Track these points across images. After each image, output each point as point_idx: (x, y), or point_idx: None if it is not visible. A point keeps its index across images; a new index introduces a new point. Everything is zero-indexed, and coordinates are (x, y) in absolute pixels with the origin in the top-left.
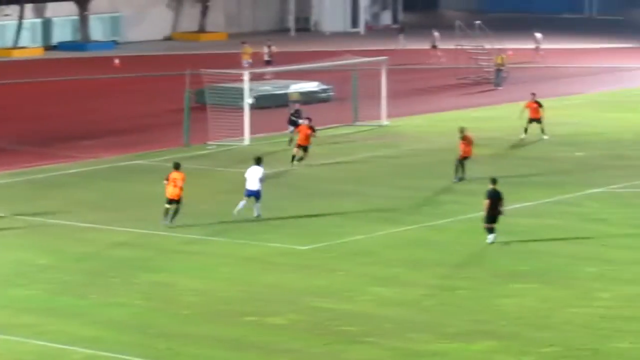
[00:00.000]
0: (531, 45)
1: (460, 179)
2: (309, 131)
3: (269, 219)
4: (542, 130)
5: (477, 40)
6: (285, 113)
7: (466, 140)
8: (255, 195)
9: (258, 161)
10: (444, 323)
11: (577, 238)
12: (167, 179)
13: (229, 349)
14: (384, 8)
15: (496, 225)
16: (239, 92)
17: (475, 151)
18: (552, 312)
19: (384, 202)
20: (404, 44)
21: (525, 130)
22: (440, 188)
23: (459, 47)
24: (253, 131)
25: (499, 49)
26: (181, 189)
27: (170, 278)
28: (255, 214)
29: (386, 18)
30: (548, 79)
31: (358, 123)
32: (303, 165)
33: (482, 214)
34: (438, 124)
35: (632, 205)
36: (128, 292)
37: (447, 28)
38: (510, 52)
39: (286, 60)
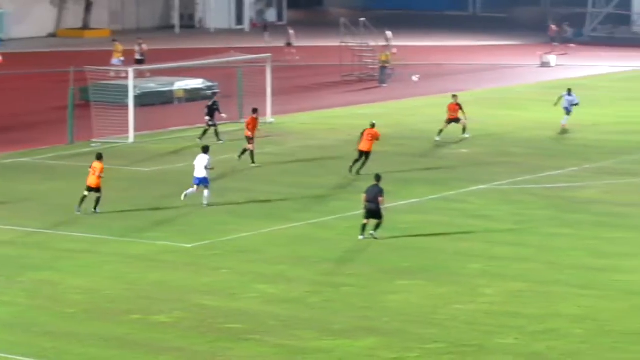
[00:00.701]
0: (383, 43)
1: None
2: (255, 123)
3: (154, 217)
4: (464, 130)
5: (362, 37)
6: (169, 110)
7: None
8: (204, 182)
9: (205, 150)
10: (329, 320)
11: (462, 234)
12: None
13: (114, 347)
14: (269, 5)
15: (373, 222)
16: (123, 90)
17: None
18: (437, 309)
19: (270, 199)
20: (268, 41)
21: (440, 132)
22: (326, 185)
23: (344, 44)
24: (137, 128)
25: (384, 47)
26: (99, 178)
27: (55, 276)
28: (204, 203)
29: (271, 15)
30: (433, 76)
31: (243, 120)
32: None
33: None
34: (323, 121)
35: (515, 202)
36: (12, 291)
37: (331, 25)
38: (394, 50)
39: (171, 57)
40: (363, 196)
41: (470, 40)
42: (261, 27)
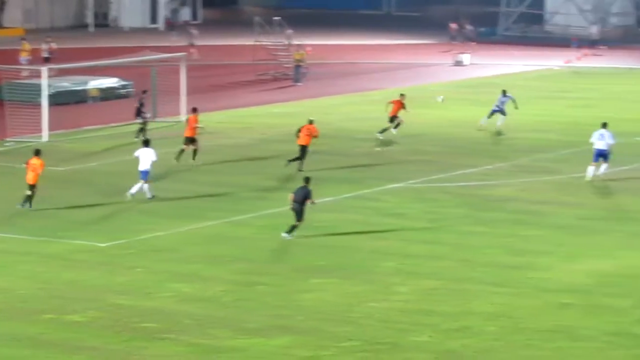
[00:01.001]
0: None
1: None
2: (196, 123)
3: (69, 216)
4: (397, 125)
5: (277, 36)
6: (84, 109)
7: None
8: (146, 177)
9: (146, 143)
10: (244, 319)
11: (377, 233)
12: (27, 164)
13: (27, 347)
14: (183, 4)
15: (298, 224)
16: (37, 88)
17: (280, 147)
18: (352, 307)
19: (185, 198)
20: (175, 40)
21: (384, 131)
22: (242, 184)
23: (258, 43)
24: (51, 127)
25: (298, 45)
26: (38, 175)
27: None
28: (148, 196)
29: (185, 14)
30: (348, 75)
31: (158, 119)
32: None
33: (283, 209)
34: (239, 120)
35: (429, 200)
36: None
37: (246, 24)
38: (309, 49)
39: (85, 56)
40: (290, 196)
41: (385, 39)
42: (171, 26)
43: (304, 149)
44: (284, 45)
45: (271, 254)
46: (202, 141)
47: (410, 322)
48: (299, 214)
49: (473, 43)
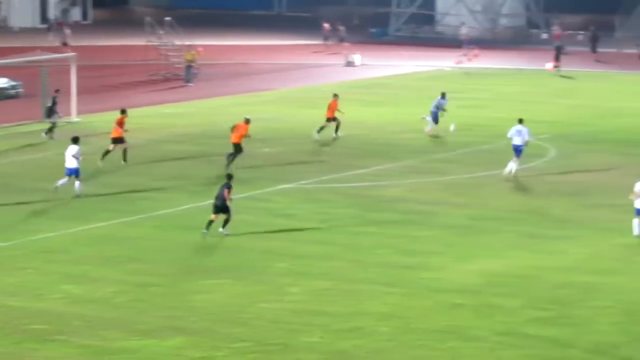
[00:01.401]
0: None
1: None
2: (120, 129)
3: None
4: (337, 127)
5: (168, 36)
6: None
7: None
8: (74, 173)
9: (75, 140)
10: (136, 320)
11: (268, 233)
12: None
13: None
14: (74, 4)
15: (222, 218)
16: None
17: (171, 148)
18: (244, 307)
19: (76, 198)
20: (52, 40)
21: (321, 129)
22: (133, 184)
23: (149, 43)
24: None
25: (189, 46)
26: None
27: None
28: (77, 193)
29: (76, 14)
30: (239, 76)
31: (47, 119)
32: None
33: (173, 210)
34: (130, 120)
35: (320, 201)
36: None
37: (137, 24)
38: (200, 49)
39: None
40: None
41: (277, 40)
42: (54, 26)
43: (236, 147)
44: (175, 45)
45: (163, 255)
46: (96, 141)
47: (301, 323)
48: (223, 208)
49: (346, 44)
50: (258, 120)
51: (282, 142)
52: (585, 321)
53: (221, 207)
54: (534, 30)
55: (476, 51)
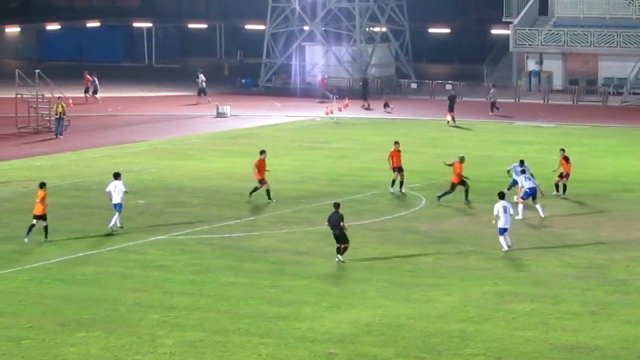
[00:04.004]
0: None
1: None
2: None
3: None
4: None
5: (37, 89)
6: None
7: None
8: (118, 208)
9: (117, 176)
10: None
11: (140, 285)
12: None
13: None
14: None
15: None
16: None
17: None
18: None
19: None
20: None
21: (393, 182)
22: (4, 238)
23: (19, 96)
24: None
25: (59, 98)
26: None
27: None
28: (118, 226)
29: None
30: (109, 127)
31: None
32: None
33: (45, 262)
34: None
35: (193, 252)
36: None
37: (6, 77)
38: (70, 102)
39: None
40: (327, 224)
41: (147, 91)
42: None
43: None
44: (45, 97)
45: (33, 308)
46: None
47: None
48: (342, 237)
49: (98, 97)
50: (128, 172)
51: (153, 194)
52: None
53: (340, 237)
54: (403, 80)
55: (346, 101)
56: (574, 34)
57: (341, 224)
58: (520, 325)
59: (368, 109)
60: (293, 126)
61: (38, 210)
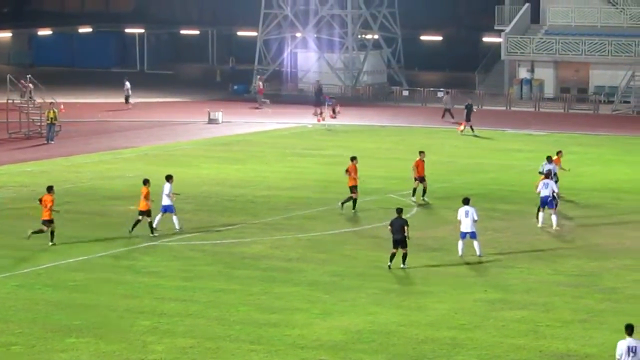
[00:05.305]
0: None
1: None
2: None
3: None
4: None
5: (29, 94)
6: None
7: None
8: (169, 210)
9: (168, 178)
10: None
11: (131, 291)
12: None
13: None
14: None
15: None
16: None
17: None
18: None
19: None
20: None
21: (414, 191)
22: None
23: (11, 101)
24: None
25: (51, 103)
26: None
27: None
28: (177, 228)
29: None
30: (102, 133)
31: None
32: None
33: (36, 268)
34: None
35: (184, 258)
36: None
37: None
38: (61, 107)
39: None
40: (389, 228)
41: (139, 97)
42: None
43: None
44: (37, 103)
45: (24, 314)
46: None
47: None
48: (402, 242)
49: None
50: (120, 178)
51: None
52: None
53: (400, 241)
54: (395, 87)
55: (338, 108)
56: (566, 43)
57: (405, 228)
58: (510, 332)
59: (320, 115)
60: (285, 133)
61: (46, 215)
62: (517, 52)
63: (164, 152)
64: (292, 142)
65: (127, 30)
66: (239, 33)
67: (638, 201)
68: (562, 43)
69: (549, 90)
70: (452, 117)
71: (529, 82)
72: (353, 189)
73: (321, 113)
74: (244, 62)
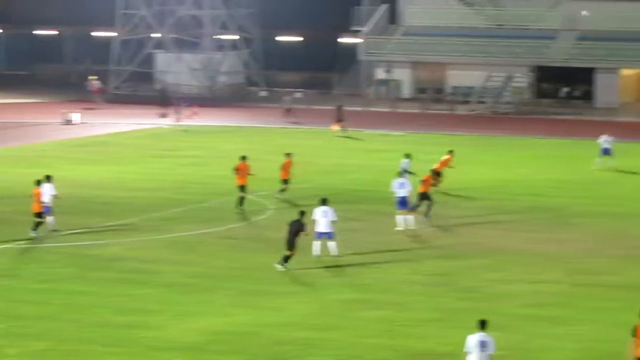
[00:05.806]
0: None
1: None
2: None
3: None
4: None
5: None
6: None
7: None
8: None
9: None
10: None
11: None
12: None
13: None
14: None
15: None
16: None
17: None
18: None
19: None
20: None
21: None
22: None
23: None
24: None
25: None
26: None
27: None
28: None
29: None
30: None
31: None
32: None
33: None
34: None
35: (38, 260)
36: None
37: None
38: None
39: None
40: (286, 227)
41: None
42: None
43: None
44: None
45: None
46: None
47: None
48: (291, 244)
49: None
50: None
51: (1, 202)
52: None
53: (291, 242)
54: (253, 88)
55: (195, 109)
56: (423, 43)
57: (300, 232)
58: (367, 332)
59: (164, 116)
60: (142, 134)
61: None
62: (374, 53)
63: (17, 154)
64: (149, 143)
65: None
66: (95, 34)
67: (494, 200)
68: (419, 44)
69: (406, 91)
70: (295, 117)
71: (386, 82)
72: (241, 188)
73: (176, 114)
74: (103, 62)
